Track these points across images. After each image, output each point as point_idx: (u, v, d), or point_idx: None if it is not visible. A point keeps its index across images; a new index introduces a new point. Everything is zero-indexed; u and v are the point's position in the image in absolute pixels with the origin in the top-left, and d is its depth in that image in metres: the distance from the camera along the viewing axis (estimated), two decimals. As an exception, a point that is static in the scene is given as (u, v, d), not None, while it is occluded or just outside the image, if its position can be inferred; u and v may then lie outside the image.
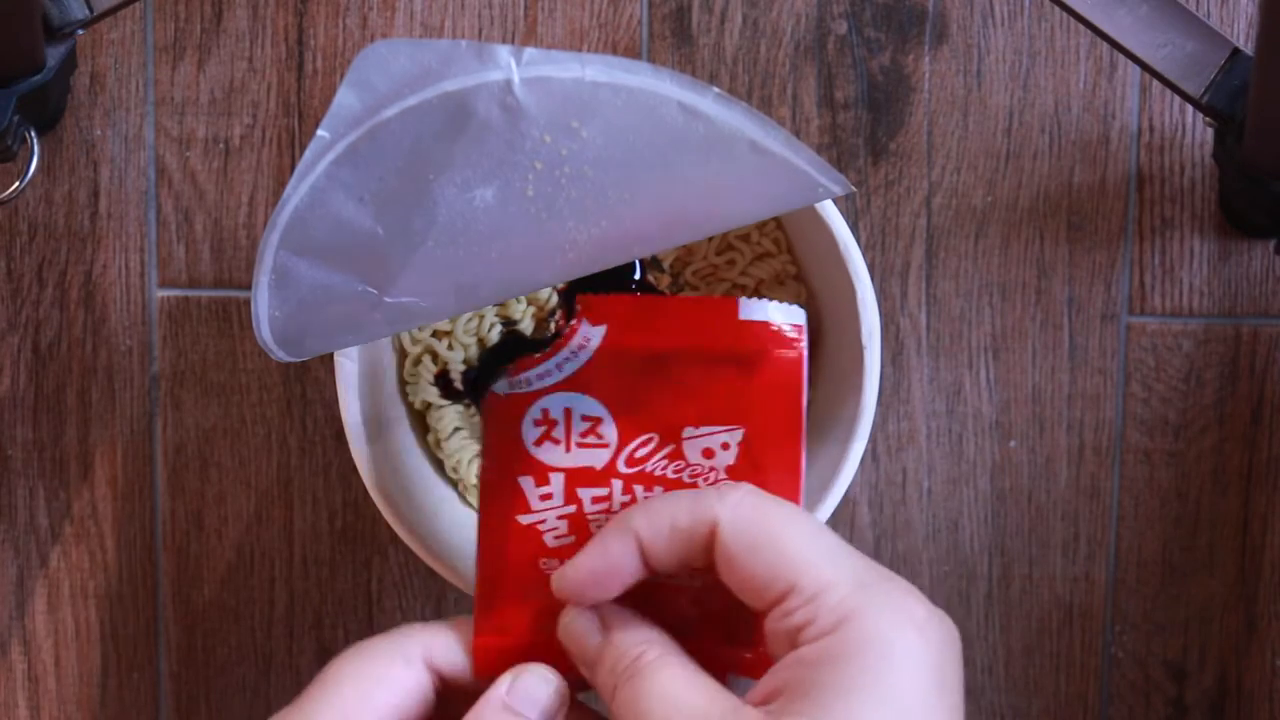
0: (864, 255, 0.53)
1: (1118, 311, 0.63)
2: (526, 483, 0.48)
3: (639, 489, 0.47)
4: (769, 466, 0.47)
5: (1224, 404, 0.63)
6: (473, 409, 0.58)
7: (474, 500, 0.58)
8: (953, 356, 0.63)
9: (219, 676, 0.64)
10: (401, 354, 0.58)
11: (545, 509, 0.47)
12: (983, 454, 0.64)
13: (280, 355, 0.47)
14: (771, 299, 0.46)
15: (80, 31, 0.56)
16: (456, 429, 0.58)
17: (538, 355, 0.47)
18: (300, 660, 0.64)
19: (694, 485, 0.47)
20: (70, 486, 0.64)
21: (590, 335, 0.46)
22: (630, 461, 0.47)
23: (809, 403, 0.58)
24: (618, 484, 0.47)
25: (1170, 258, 0.63)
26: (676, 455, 0.47)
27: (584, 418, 0.47)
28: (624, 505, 0.47)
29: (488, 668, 0.47)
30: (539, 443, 0.47)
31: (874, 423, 0.54)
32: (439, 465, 0.59)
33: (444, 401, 0.58)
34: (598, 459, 0.47)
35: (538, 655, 0.47)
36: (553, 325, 0.58)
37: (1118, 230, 0.63)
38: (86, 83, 0.63)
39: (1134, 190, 0.63)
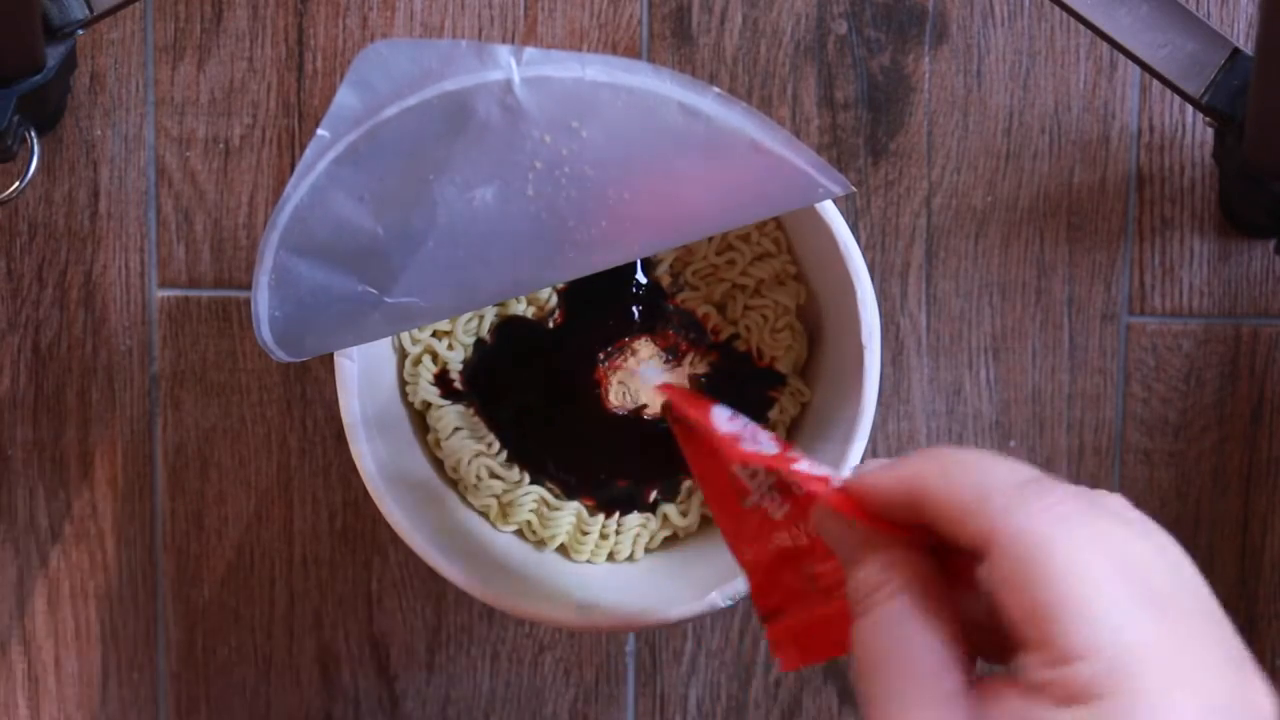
0: (864, 255, 0.53)
1: (1118, 311, 0.63)
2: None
3: None
4: None
5: (1224, 404, 0.63)
6: (472, 409, 0.58)
7: (473, 500, 0.58)
8: (953, 356, 0.63)
9: (219, 676, 0.64)
10: (401, 354, 0.58)
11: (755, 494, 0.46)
12: (983, 454, 0.63)
13: (280, 355, 0.47)
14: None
15: (80, 31, 0.56)
16: (456, 429, 0.58)
17: (768, 455, 0.44)
18: (300, 660, 0.64)
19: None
20: (70, 486, 0.64)
21: (805, 488, 0.43)
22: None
23: (809, 402, 0.59)
24: None
25: (1170, 258, 0.63)
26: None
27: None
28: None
29: (783, 648, 0.45)
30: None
31: (874, 423, 0.54)
32: (439, 465, 0.59)
33: (444, 401, 0.58)
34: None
35: (816, 626, 0.44)
36: (551, 324, 0.58)
37: (1118, 230, 0.63)
38: (86, 83, 0.62)
39: (1134, 190, 0.63)
